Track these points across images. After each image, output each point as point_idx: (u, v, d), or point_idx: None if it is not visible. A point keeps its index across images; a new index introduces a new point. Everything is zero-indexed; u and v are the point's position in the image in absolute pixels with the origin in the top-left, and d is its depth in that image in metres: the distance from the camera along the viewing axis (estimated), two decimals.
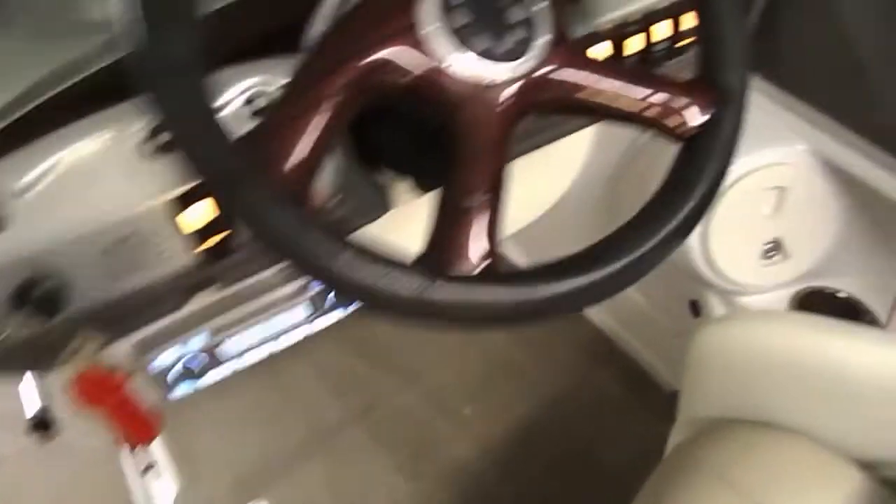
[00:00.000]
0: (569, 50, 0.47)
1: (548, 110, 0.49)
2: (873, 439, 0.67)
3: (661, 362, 1.31)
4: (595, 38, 0.63)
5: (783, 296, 1.05)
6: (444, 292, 0.40)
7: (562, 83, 0.47)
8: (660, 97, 0.49)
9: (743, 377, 0.73)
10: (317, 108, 0.41)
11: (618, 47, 0.64)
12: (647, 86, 0.49)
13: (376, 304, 0.39)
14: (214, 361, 0.75)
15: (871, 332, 0.65)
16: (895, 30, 0.77)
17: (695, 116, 0.49)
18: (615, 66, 0.50)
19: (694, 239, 0.98)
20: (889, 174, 0.85)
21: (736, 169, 0.94)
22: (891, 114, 0.80)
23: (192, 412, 1.14)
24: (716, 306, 1.09)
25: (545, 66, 0.46)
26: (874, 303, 1.02)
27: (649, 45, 0.66)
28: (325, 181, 0.55)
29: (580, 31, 0.63)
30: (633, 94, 0.48)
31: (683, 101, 0.49)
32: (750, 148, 0.94)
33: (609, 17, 0.64)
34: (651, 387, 1.29)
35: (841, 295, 1.05)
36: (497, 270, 0.43)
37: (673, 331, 1.24)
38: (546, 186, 0.89)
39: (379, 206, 0.61)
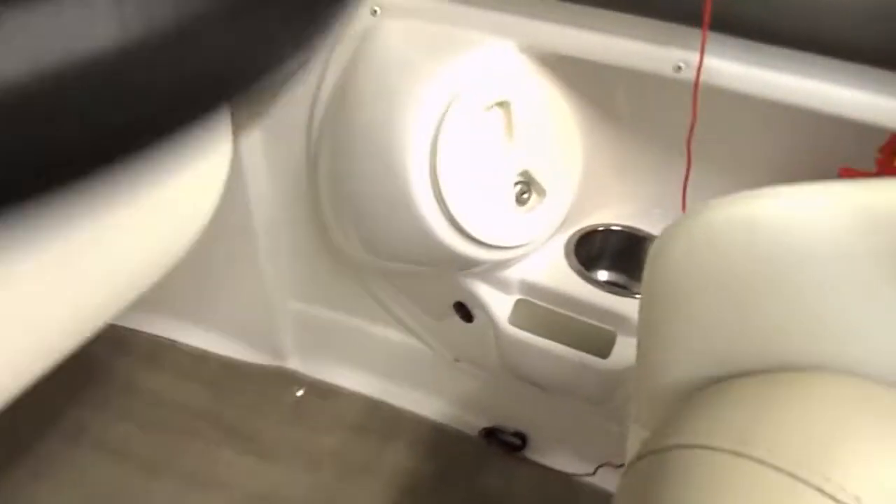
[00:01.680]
0: None
1: None
2: None
3: (457, 407, 1.02)
4: None
5: (557, 249, 0.81)
6: None
7: None
8: None
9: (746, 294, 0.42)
10: None
11: None
12: None
13: None
14: None
15: None
16: None
17: None
18: None
19: (433, 210, 0.70)
20: (615, 36, 0.65)
21: (439, 93, 0.68)
22: None
23: None
24: (487, 297, 0.82)
25: None
26: (646, 225, 0.84)
27: None
28: None
29: None
30: None
31: None
32: (442, 63, 0.69)
33: None
34: (459, 439, 1.01)
35: (616, 228, 0.85)
36: None
37: (449, 360, 0.97)
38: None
39: None
